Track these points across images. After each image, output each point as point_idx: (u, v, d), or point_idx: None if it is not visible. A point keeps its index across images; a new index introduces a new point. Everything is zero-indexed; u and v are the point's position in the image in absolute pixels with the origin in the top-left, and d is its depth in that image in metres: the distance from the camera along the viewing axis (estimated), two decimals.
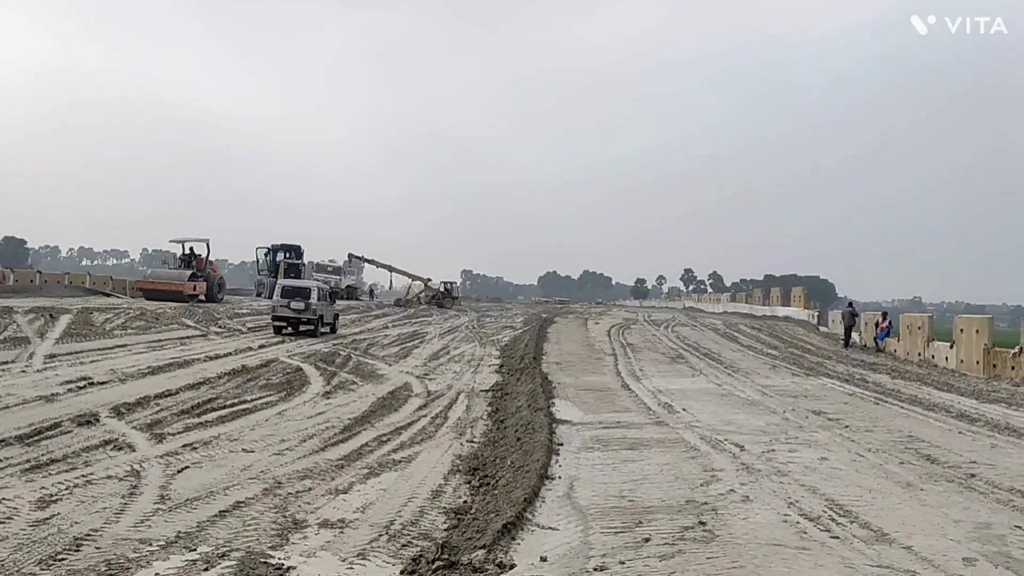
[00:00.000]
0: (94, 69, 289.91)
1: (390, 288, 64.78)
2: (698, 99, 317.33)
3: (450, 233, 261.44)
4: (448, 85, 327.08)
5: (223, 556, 6.17)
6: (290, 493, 8.13)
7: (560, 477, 8.77)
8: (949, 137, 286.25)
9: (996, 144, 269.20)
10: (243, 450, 10.01)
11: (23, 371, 15.36)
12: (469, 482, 8.85)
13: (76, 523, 6.81)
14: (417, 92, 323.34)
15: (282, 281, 30.17)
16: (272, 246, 52.28)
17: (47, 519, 6.89)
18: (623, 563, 5.91)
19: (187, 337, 23.23)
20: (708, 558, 6.02)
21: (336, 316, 29.19)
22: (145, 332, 23.53)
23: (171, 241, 42.26)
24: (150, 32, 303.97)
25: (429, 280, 58.72)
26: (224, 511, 7.37)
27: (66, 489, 7.81)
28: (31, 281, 41.76)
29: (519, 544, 6.49)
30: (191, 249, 40.48)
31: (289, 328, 26.13)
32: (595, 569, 5.80)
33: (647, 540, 6.47)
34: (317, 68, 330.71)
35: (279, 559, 6.17)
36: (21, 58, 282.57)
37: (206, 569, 5.89)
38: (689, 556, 6.06)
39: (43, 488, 7.79)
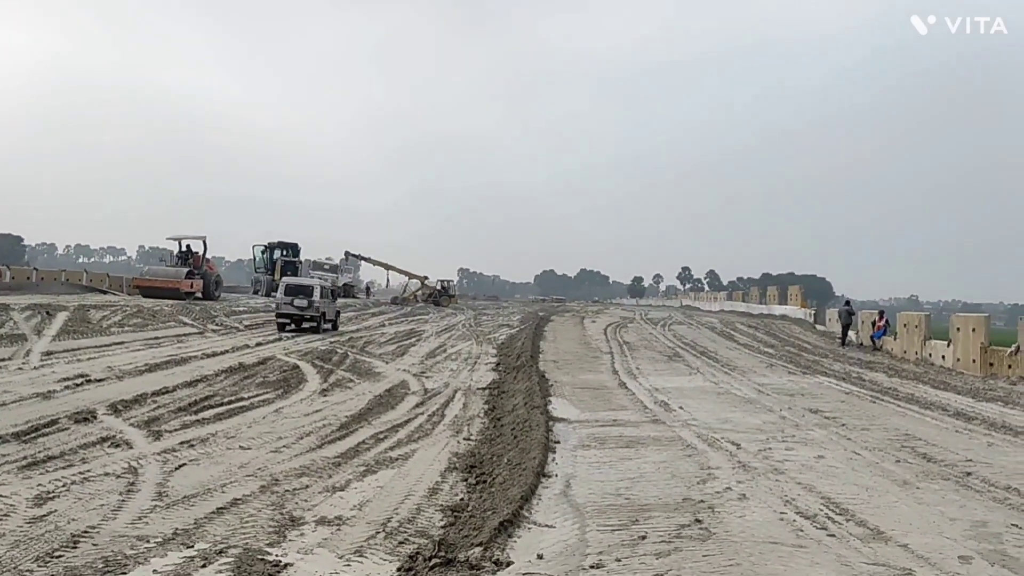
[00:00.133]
0: (94, 69, 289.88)
1: (387, 286, 64.75)
2: (696, 101, 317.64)
3: (447, 232, 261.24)
4: (446, 85, 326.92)
5: (220, 553, 6.17)
6: (287, 490, 8.14)
7: (557, 475, 8.78)
8: (947, 137, 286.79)
9: (994, 144, 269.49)
10: (240, 447, 10.02)
11: (20, 368, 15.34)
12: (466, 480, 8.86)
13: (73, 520, 6.81)
14: (415, 91, 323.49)
15: (286, 279, 30.68)
16: (269, 244, 52.30)
17: (44, 516, 6.89)
18: (619, 560, 5.92)
19: (184, 335, 23.21)
20: (704, 556, 6.03)
21: (337, 313, 29.92)
22: (142, 329, 23.52)
23: (168, 238, 42.22)
24: (150, 33, 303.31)
25: (426, 278, 58.69)
26: (221, 508, 7.37)
27: (63, 486, 7.81)
28: (28, 278, 41.62)
29: (516, 542, 6.50)
30: (188, 246, 40.42)
31: (292, 325, 26.73)
32: (592, 566, 5.81)
33: (643, 538, 6.48)
34: (315, 69, 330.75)
35: (276, 556, 6.17)
36: (19, 56, 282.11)
37: (203, 566, 5.89)
38: (685, 554, 6.08)
39: (40, 485, 7.80)
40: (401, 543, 6.67)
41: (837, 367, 22.77)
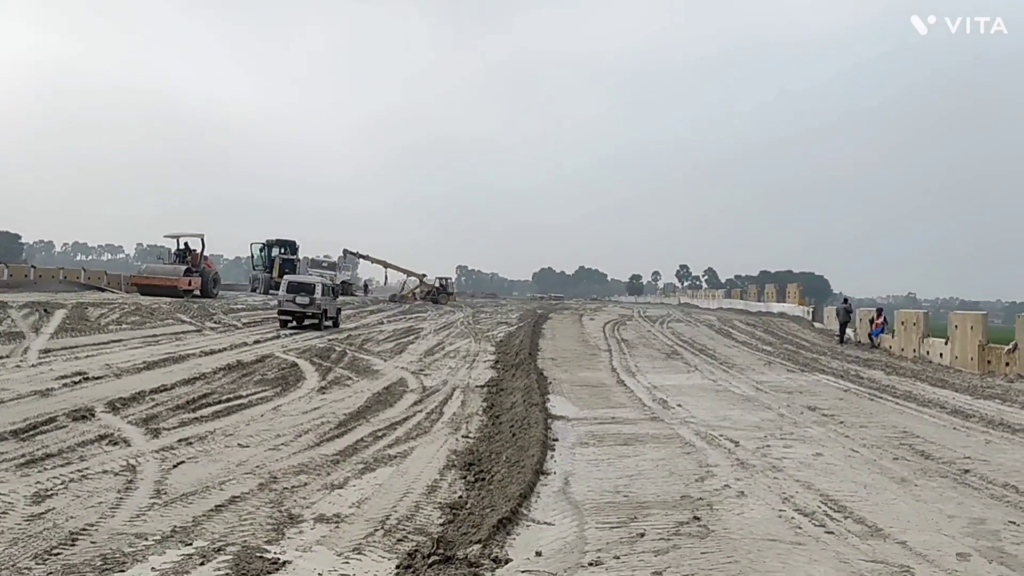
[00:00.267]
0: (95, 70, 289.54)
1: (385, 284, 64.70)
2: (695, 101, 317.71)
3: (445, 230, 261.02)
4: (446, 86, 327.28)
5: (219, 551, 6.17)
6: (286, 488, 8.13)
7: (555, 472, 8.78)
8: (945, 137, 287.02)
9: (991, 142, 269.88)
10: (238, 445, 10.01)
11: (17, 366, 15.32)
12: (464, 477, 8.86)
13: (71, 518, 6.80)
14: (415, 92, 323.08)
15: (288, 277, 31.02)
16: (267, 241, 52.25)
17: (42, 514, 6.88)
18: (618, 558, 5.93)
19: (182, 332, 23.19)
20: (703, 553, 6.04)
21: (339, 311, 30.48)
22: (140, 327, 23.49)
23: (166, 236, 42.11)
24: (150, 35, 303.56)
25: (424, 276, 58.66)
26: (220, 506, 7.37)
27: (61, 484, 7.81)
28: (25, 276, 41.53)
29: (514, 539, 6.50)
30: (186, 244, 40.36)
31: (294, 322, 27.26)
32: (590, 564, 5.81)
33: (642, 535, 6.48)
34: (316, 70, 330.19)
35: (275, 553, 6.17)
36: (21, 55, 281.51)
37: (201, 563, 5.89)
38: (684, 551, 6.08)
39: (38, 483, 7.79)
40: (400, 541, 6.67)
41: (835, 365, 22.79)
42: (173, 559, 5.95)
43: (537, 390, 14.65)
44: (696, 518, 6.99)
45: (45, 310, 24.33)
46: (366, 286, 68.81)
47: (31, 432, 9.89)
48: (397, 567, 5.95)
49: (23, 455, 8.79)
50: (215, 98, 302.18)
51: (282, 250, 51.34)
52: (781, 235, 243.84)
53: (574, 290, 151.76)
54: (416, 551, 6.14)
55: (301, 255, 52.56)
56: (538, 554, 6.08)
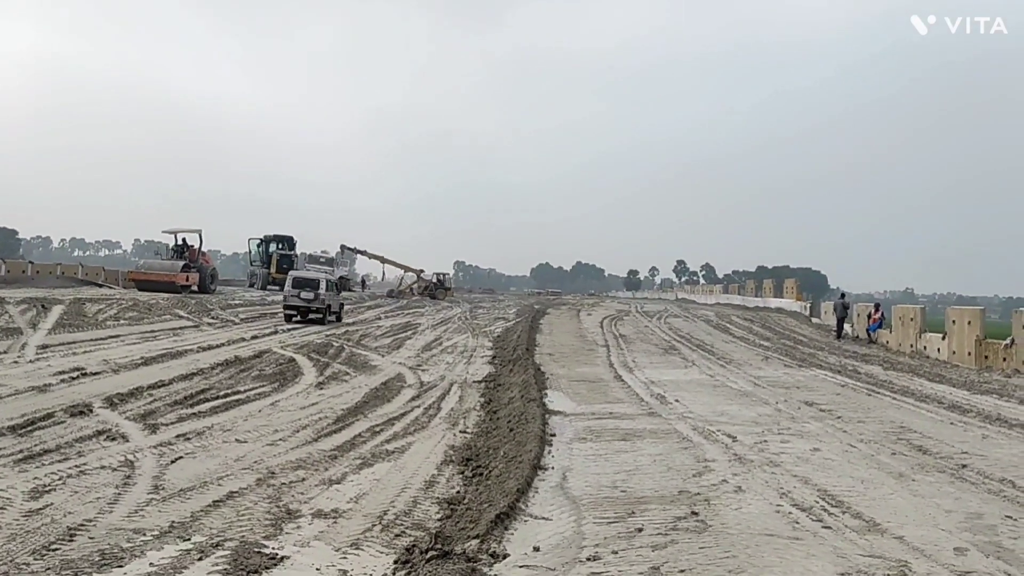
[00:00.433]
0: (94, 67, 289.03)
1: (382, 279, 64.67)
2: (694, 99, 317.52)
3: (443, 226, 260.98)
4: (446, 83, 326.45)
5: (217, 546, 6.17)
6: (283, 483, 8.13)
7: (553, 468, 8.79)
8: (944, 134, 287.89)
9: (990, 139, 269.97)
10: (236, 440, 10.00)
11: (15, 362, 15.30)
12: (462, 472, 8.86)
13: (70, 513, 6.79)
14: (414, 90, 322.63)
15: (293, 273, 31.62)
16: (265, 237, 52.14)
17: (40, 509, 6.87)
18: (616, 553, 5.93)
19: (180, 328, 23.17)
20: (700, 548, 6.04)
21: (341, 306, 31.31)
22: (138, 323, 23.47)
23: (164, 232, 42.16)
24: (147, 32, 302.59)
25: (422, 271, 58.61)
26: (218, 501, 7.36)
27: (59, 479, 7.80)
28: (23, 272, 41.45)
29: (512, 534, 6.51)
30: (184, 240, 40.31)
31: (299, 316, 28.03)
32: (588, 559, 5.82)
33: (640, 530, 6.49)
34: (315, 67, 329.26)
35: (273, 549, 6.17)
36: (20, 55, 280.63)
37: (200, 559, 5.88)
38: (682, 546, 6.09)
39: (36, 478, 7.77)
40: (398, 536, 6.67)
41: (832, 360, 22.81)
42: (171, 554, 5.95)
43: (535, 385, 14.66)
44: (694, 513, 7.00)
45: (43, 306, 24.30)
46: (363, 281, 68.77)
47: (29, 428, 9.88)
48: (395, 562, 5.95)
49: (21, 451, 8.78)
50: (215, 95, 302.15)
51: (280, 246, 51.23)
52: (779, 231, 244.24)
53: (572, 286, 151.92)
54: (414, 546, 6.14)
55: (299, 251, 52.50)
56: (536, 549, 6.09)
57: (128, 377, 14.13)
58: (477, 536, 6.29)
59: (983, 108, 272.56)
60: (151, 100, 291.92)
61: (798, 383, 17.22)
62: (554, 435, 10.58)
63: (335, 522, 6.98)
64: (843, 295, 36.06)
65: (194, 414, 11.47)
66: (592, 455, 9.53)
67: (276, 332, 23.90)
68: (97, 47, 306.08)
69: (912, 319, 26.94)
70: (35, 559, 5.78)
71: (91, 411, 11.10)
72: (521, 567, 5.72)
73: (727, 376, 18.07)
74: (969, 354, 22.73)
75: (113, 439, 9.64)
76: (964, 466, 9.41)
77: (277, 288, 46.77)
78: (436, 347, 23.12)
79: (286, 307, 28.51)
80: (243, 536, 6.45)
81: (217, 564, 5.80)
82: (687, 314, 43.13)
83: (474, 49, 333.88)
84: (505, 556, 5.93)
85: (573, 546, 6.12)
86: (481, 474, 8.68)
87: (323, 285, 28.68)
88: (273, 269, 48.69)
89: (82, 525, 6.50)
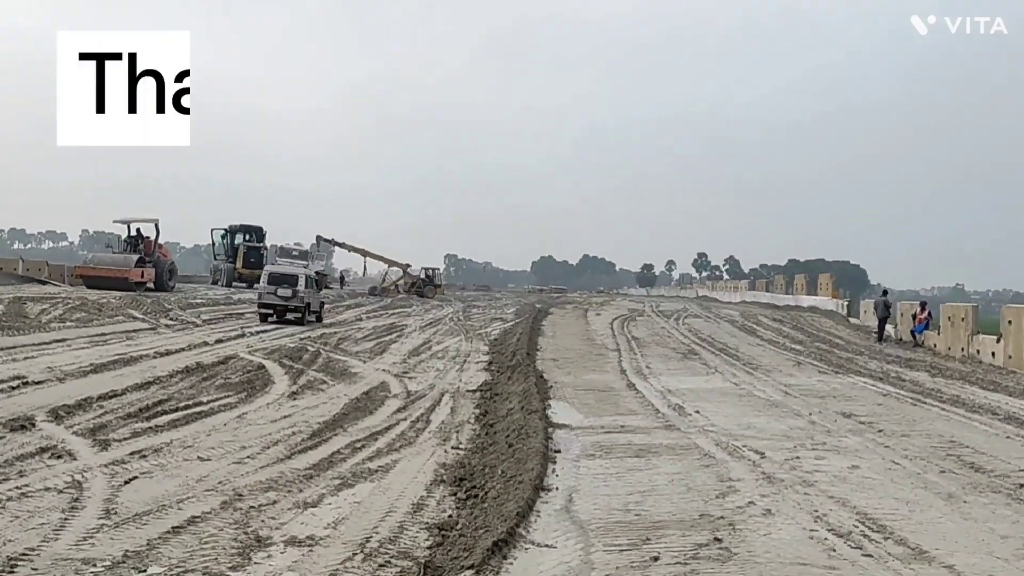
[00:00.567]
0: (33, 35, 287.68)
1: (363, 275, 64.70)
2: (717, 71, 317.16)
3: (432, 214, 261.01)
4: (434, 54, 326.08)
5: None
6: (252, 506, 8.13)
7: (557, 488, 8.80)
8: (995, 113, 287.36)
9: None
10: (199, 458, 10.00)
11: None
12: (455, 494, 8.86)
13: (10, 541, 6.78)
14: (397, 61, 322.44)
15: (269, 267, 31.92)
16: (230, 227, 52.20)
17: None
18: None
19: (134, 331, 23.16)
20: None
21: (322, 304, 31.62)
22: (86, 325, 23.45)
23: (115, 221, 41.99)
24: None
25: (408, 266, 58.68)
26: (177, 527, 7.35)
27: None
28: None
29: (511, 564, 6.51)
30: (138, 230, 40.29)
31: (275, 316, 28.33)
32: None
33: (656, 559, 6.50)
34: (285, 35, 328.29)
35: None
36: None
37: None
38: None
39: None
40: (382, 566, 6.67)
41: (873, 365, 22.85)
42: None
43: (536, 395, 14.67)
44: (717, 539, 7.00)
45: None
46: (342, 278, 68.83)
47: None
48: None
49: None
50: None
51: (247, 237, 51.28)
52: (813, 220, 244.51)
53: (578, 282, 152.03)
54: None
55: (269, 243, 52.50)
56: None
57: (75, 386, 14.12)
58: (472, 566, 6.29)
59: None
60: None
61: (834, 392, 17.24)
62: (559, 451, 10.59)
63: (311, 550, 6.97)
64: (885, 292, 36.15)
65: (150, 428, 11.47)
66: (601, 474, 9.54)
67: (243, 335, 23.90)
68: (34, 13, 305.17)
69: (963, 319, 26.96)
70: None
71: (33, 425, 11.09)
72: None
73: (754, 384, 18.09)
74: None
75: (59, 457, 9.63)
76: (1022, 486, 9.43)
77: (244, 285, 46.86)
78: (425, 352, 23.13)
79: (261, 306, 28.79)
80: (206, 567, 6.45)
81: None
82: (708, 314, 43.18)
83: (467, 11, 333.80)
84: None
85: None
86: (476, 496, 8.68)
87: (302, 281, 28.94)
88: (239, 263, 48.75)
89: (24, 555, 6.49)
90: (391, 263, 58.75)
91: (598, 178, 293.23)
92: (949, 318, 27.94)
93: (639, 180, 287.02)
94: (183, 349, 19.86)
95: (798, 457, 10.63)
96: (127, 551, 6.69)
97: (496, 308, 45.07)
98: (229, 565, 6.53)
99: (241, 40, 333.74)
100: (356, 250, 58.58)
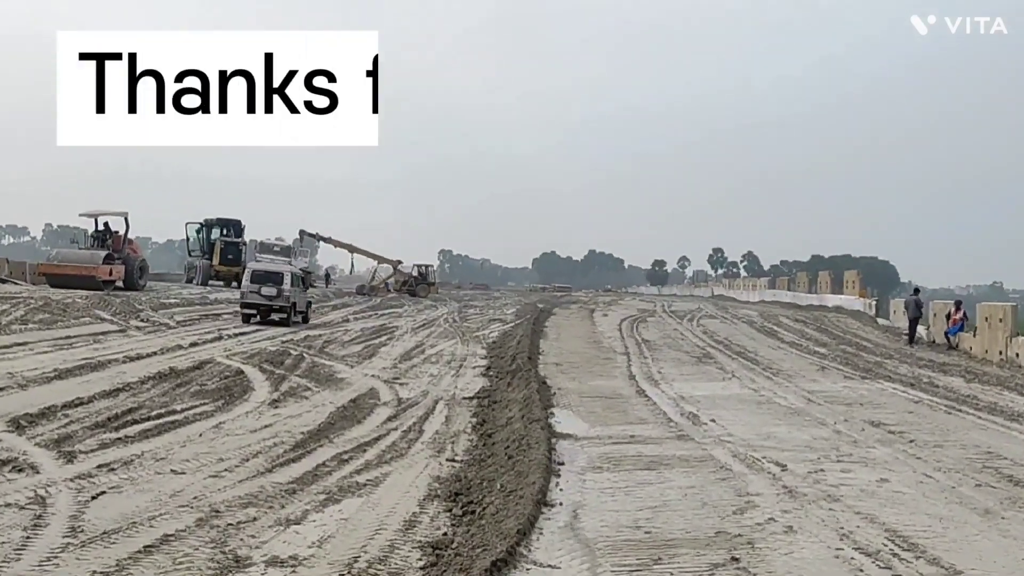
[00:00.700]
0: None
1: (351, 272, 64.69)
2: (734, 53, 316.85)
3: (425, 205, 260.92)
4: (425, 24, 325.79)
5: None
6: (230, 524, 8.13)
7: (561, 503, 8.81)
8: None
9: None
10: (172, 471, 10.00)
11: None
12: (450, 510, 8.86)
13: None
14: (387, 38, 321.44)
15: (252, 265, 32.24)
16: (205, 221, 52.09)
17: None
18: None
19: (102, 333, 23.14)
20: None
21: (309, 304, 32.06)
22: (50, 327, 23.43)
23: (81, 215, 41.88)
24: None
25: (399, 263, 58.65)
26: (149, 546, 7.35)
27: None
28: None
29: None
30: (106, 224, 40.20)
31: (258, 316, 28.70)
32: None
33: None
34: (264, 11, 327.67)
35: None
36: None
37: None
38: None
39: None
40: None
41: (904, 370, 22.85)
42: None
43: (538, 403, 14.66)
44: (734, 559, 7.01)
45: None
46: (328, 275, 68.88)
47: None
48: None
49: None
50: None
51: (224, 231, 51.18)
52: (838, 212, 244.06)
53: (583, 280, 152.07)
54: None
55: (248, 238, 52.46)
56: None
57: (38, 394, 14.11)
58: None
59: None
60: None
61: (861, 399, 17.24)
62: (563, 464, 10.59)
63: (293, 571, 6.98)
64: (916, 291, 36.18)
65: (120, 439, 11.46)
66: (609, 488, 9.54)
67: (221, 338, 23.89)
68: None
69: (1001, 320, 26.95)
70: None
71: None
72: None
73: (774, 390, 18.10)
74: None
75: (20, 470, 9.62)
76: None
77: (221, 284, 46.83)
78: (417, 355, 23.14)
79: (244, 305, 29.20)
80: None
81: None
82: (725, 314, 43.19)
83: None
84: None
85: None
86: (473, 512, 8.69)
87: (287, 279, 29.35)
88: (216, 260, 48.66)
89: None
90: (381, 259, 58.72)
91: (605, 168, 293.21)
92: (986, 318, 27.92)
93: (649, 170, 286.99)
94: (155, 353, 19.86)
95: (822, 470, 10.64)
96: (94, 572, 6.69)
97: (495, 308, 45.07)
98: None
99: (216, 16, 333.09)
100: (343, 245, 58.54)
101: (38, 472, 9.62)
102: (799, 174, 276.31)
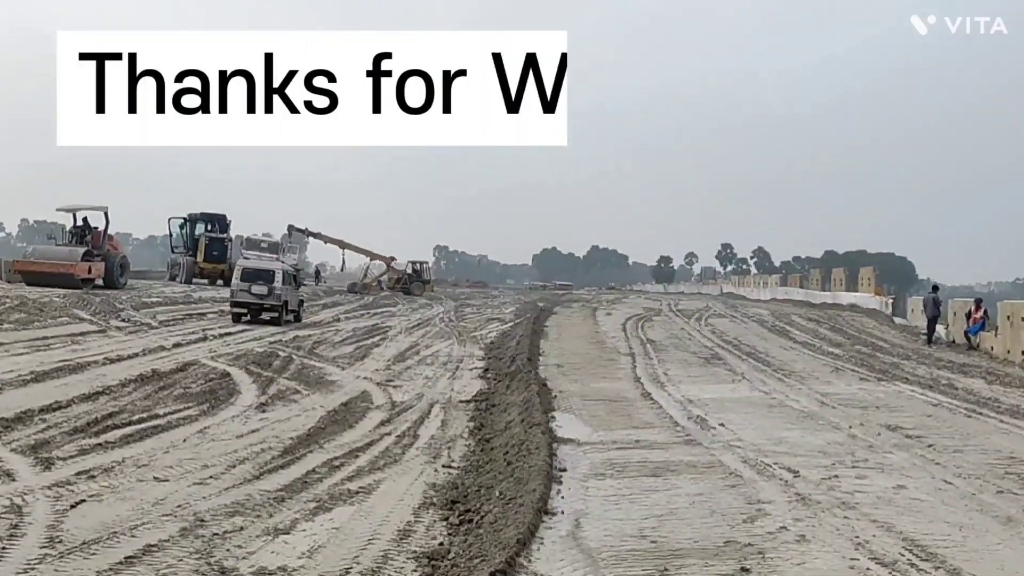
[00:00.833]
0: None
1: (342, 269, 64.63)
2: (745, 42, 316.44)
3: (420, 201, 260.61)
4: (418, 12, 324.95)
5: None
6: (216, 533, 8.13)
7: (563, 512, 8.81)
8: None
9: None
10: (155, 478, 10.00)
11: None
12: (446, 518, 8.87)
13: None
14: (377, 19, 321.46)
15: (243, 262, 32.54)
16: (189, 216, 52.08)
17: None
18: None
19: (81, 333, 23.13)
20: None
21: (301, 302, 32.42)
22: (26, 327, 23.42)
23: (59, 210, 41.85)
24: None
25: (392, 259, 58.66)
26: (131, 557, 7.36)
27: None
28: None
29: None
30: (84, 220, 40.16)
31: (248, 316, 28.96)
32: None
33: None
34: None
35: None
36: None
37: None
38: None
39: None
40: None
41: (922, 371, 22.85)
42: None
43: (539, 406, 14.66)
44: (744, 570, 7.01)
45: None
46: (318, 273, 68.81)
47: None
48: None
49: None
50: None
51: (209, 227, 51.14)
52: (852, 206, 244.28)
53: (585, 277, 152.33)
54: None
55: (233, 233, 52.46)
56: None
57: (14, 397, 14.11)
58: None
59: None
60: (35, 36, 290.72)
61: (877, 402, 17.25)
62: (564, 470, 10.60)
63: None
64: (935, 288, 36.09)
65: (100, 445, 11.46)
66: (613, 495, 9.55)
67: (205, 338, 23.89)
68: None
69: None
70: None
71: None
72: None
73: (786, 393, 18.11)
74: None
75: None
76: None
77: (206, 282, 46.82)
78: (412, 357, 23.15)
79: (234, 304, 29.53)
80: None
81: None
82: (734, 313, 43.21)
83: None
84: None
85: None
86: (471, 520, 8.69)
87: (279, 277, 29.71)
88: (200, 257, 48.64)
89: None
90: (373, 256, 58.77)
91: (609, 159, 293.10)
92: (1008, 317, 27.91)
93: (656, 162, 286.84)
94: (137, 355, 19.86)
95: (836, 476, 10.64)
96: None
97: (493, 307, 45.10)
98: None
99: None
100: (333, 241, 58.51)
101: (14, 480, 9.62)
102: (812, 167, 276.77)
